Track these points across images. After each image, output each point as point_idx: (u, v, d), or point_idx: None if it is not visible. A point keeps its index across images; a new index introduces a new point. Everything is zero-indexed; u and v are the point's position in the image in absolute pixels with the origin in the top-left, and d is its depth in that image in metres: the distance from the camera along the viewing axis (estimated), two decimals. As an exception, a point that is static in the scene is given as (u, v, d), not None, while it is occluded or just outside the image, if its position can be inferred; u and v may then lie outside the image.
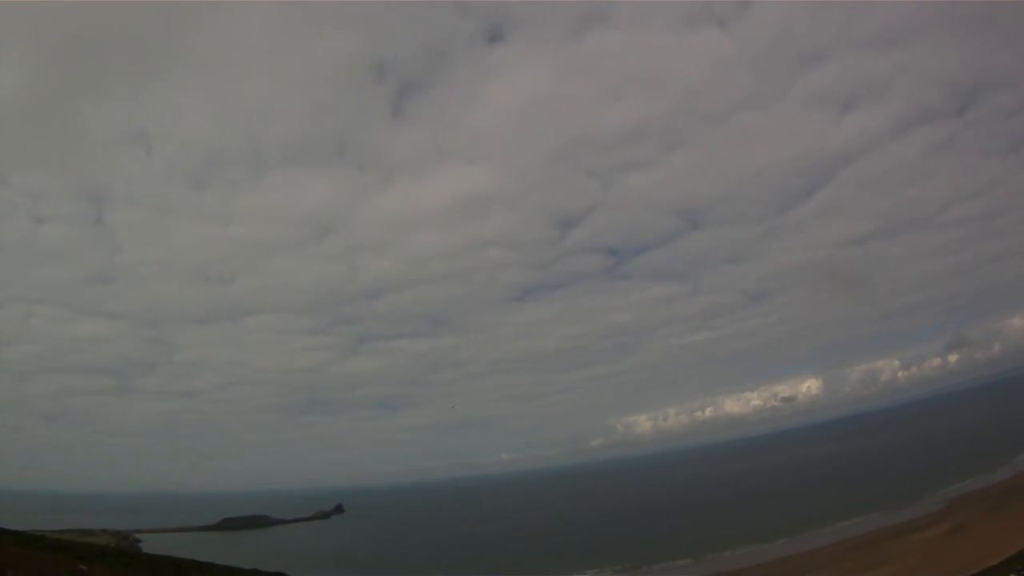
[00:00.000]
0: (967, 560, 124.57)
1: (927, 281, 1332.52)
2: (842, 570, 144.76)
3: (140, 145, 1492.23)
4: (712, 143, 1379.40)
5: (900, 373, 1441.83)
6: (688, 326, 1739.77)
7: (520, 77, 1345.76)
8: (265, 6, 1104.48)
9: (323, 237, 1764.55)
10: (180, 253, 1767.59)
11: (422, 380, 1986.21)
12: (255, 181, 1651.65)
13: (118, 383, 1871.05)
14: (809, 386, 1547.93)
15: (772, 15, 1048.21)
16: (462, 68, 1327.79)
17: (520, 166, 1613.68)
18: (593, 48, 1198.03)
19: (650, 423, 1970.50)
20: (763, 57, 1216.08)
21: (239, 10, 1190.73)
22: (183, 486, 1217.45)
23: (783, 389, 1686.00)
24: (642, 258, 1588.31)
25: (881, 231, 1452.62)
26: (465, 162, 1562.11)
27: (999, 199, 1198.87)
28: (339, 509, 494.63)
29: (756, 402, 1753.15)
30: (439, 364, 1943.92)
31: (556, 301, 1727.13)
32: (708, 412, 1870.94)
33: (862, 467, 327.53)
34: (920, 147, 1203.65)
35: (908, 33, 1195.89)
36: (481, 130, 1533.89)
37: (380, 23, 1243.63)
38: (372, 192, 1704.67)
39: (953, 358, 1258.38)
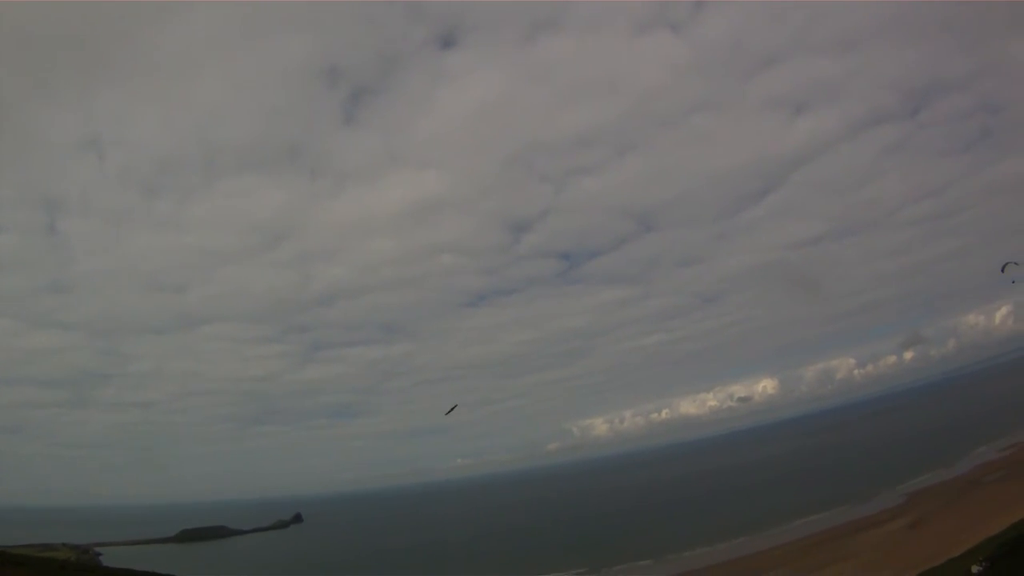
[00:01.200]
0: (929, 552, 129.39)
1: (882, 280, 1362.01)
2: (803, 566, 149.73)
3: (93, 152, 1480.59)
4: (665, 147, 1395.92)
5: (856, 371, 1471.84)
6: (642, 329, 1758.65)
7: (473, 82, 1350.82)
8: (216, 8, 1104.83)
9: (276, 244, 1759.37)
10: (134, 262, 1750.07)
11: (376, 387, 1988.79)
12: (208, 188, 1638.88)
13: (74, 395, 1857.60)
14: (765, 386, 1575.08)
15: (726, 19, 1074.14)
16: (415, 73, 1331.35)
17: (473, 171, 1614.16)
18: (546, 53, 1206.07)
19: (606, 426, 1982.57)
20: (717, 61, 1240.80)
21: (190, 13, 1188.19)
22: (142, 498, 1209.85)
23: (739, 389, 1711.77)
24: (595, 262, 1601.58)
25: (835, 232, 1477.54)
26: (417, 168, 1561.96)
27: (952, 199, 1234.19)
28: (298, 518, 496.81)
29: (712, 403, 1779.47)
30: (393, 371, 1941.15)
31: (509, 306, 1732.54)
32: (664, 414, 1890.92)
33: (821, 465, 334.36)
34: (874, 149, 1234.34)
35: (862, 37, 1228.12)
36: (433, 136, 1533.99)
37: (333, 27, 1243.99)
38: (324, 198, 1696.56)
39: (909, 355, 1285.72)
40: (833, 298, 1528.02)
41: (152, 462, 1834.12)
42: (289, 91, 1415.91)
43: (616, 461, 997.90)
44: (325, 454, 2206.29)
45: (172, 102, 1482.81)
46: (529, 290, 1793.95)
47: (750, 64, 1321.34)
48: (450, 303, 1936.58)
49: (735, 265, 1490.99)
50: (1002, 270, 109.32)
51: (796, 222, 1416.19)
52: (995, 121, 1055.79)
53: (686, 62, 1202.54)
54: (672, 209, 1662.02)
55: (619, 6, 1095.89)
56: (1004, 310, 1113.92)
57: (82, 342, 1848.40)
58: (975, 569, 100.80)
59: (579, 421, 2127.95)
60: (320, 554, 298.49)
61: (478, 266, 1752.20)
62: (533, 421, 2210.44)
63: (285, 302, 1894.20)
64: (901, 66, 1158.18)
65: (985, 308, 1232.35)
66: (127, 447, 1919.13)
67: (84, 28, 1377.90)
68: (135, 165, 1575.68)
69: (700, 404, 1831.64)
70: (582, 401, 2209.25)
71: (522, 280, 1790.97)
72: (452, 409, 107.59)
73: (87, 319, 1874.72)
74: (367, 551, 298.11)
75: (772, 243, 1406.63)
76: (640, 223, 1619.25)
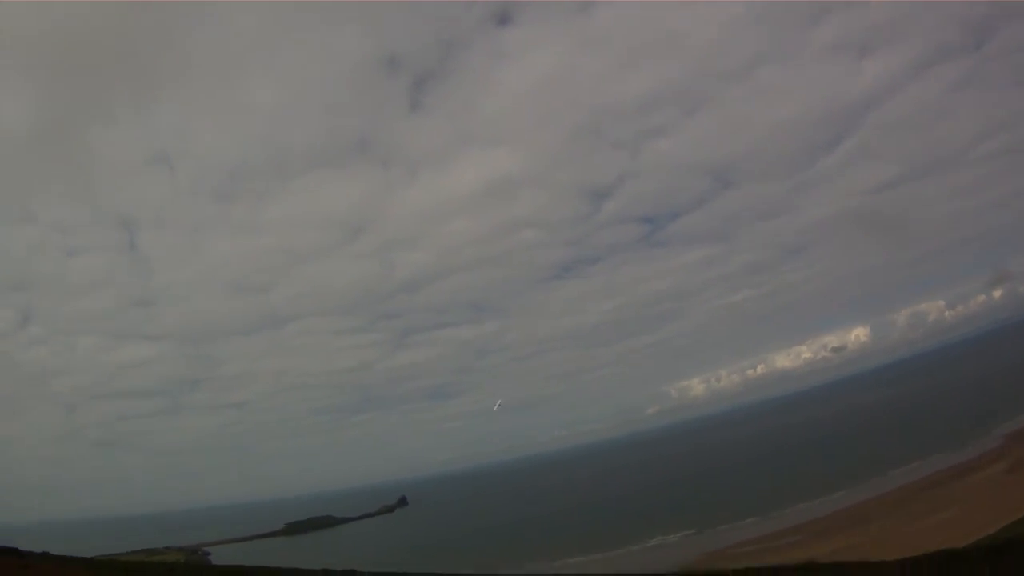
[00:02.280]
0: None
1: (963, 218, 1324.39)
2: (905, 515, 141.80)
3: (162, 167, 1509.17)
4: (733, 101, 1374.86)
5: (946, 313, 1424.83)
6: (729, 286, 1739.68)
7: (533, 57, 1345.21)
8: (264, 8, 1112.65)
9: (356, 237, 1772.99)
10: (215, 268, 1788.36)
11: (470, 367, 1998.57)
12: (281, 189, 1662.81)
13: (168, 403, 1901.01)
14: (857, 334, 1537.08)
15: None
16: (474, 54, 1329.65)
17: (543, 144, 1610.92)
18: (602, 20, 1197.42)
19: (703, 386, 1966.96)
20: (775, 11, 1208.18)
21: (238, 16, 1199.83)
22: (246, 496, 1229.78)
23: (832, 340, 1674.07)
24: (677, 223, 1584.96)
25: (911, 173, 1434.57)
26: (488, 147, 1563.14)
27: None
28: (403, 502, 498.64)
29: (806, 355, 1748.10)
30: (485, 350, 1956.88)
31: (595, 275, 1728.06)
32: (760, 369, 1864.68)
33: (917, 411, 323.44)
34: (941, 86, 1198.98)
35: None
36: (500, 113, 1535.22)
37: (387, 17, 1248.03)
38: (399, 187, 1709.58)
39: (997, 293, 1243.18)
40: (916, 240, 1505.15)
41: (252, 460, 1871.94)
42: (351, 85, 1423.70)
43: (715, 420, 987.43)
44: (425, 437, 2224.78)
45: (234, 109, 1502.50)
46: (613, 257, 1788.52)
47: (809, 10, 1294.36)
48: (535, 277, 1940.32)
49: (816, 215, 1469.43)
50: None
51: (871, 167, 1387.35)
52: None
53: (744, 14, 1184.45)
54: (747, 163, 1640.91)
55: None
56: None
57: (171, 351, 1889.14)
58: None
59: (675, 383, 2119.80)
60: (426, 535, 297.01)
61: (560, 238, 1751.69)
62: (629, 387, 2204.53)
63: (371, 292, 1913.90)
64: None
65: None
66: (226, 448, 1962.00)
67: (130, 45, 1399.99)
68: (205, 175, 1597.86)
69: (795, 357, 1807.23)
70: (677, 363, 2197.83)
71: (605, 248, 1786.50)
72: (498, 406, 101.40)
73: (174, 328, 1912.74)
74: (471, 528, 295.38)
75: (850, 190, 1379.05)
76: (717, 180, 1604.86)
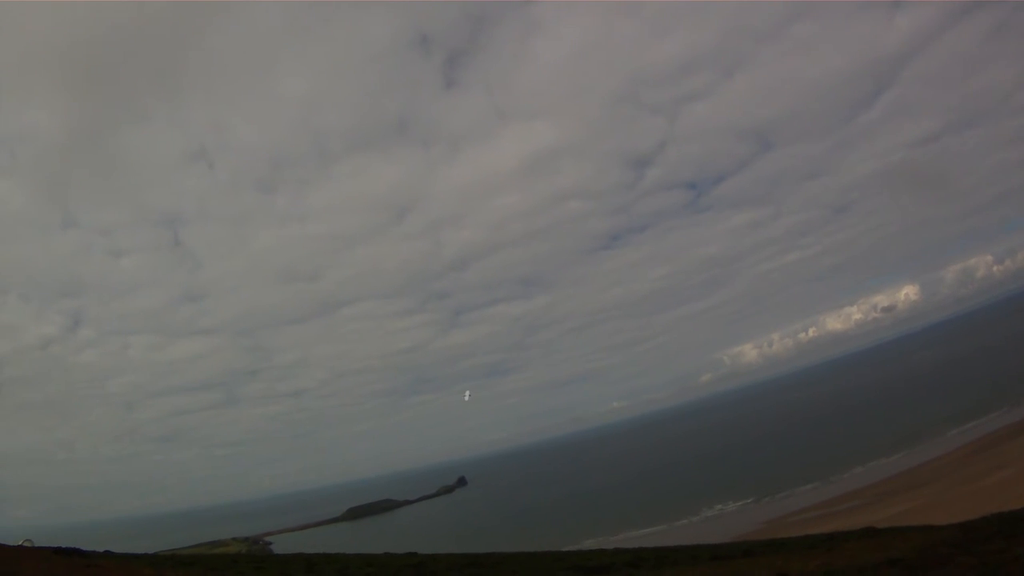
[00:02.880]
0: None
1: (1007, 170, 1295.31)
2: (963, 476, 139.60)
3: (201, 162, 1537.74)
4: (769, 61, 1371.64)
5: (995, 268, 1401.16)
6: (777, 249, 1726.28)
7: (565, 27, 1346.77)
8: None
9: (402, 218, 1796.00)
10: (263, 258, 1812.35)
11: (523, 343, 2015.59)
12: (323, 175, 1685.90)
13: (224, 395, 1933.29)
14: (907, 293, 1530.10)
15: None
16: (505, 27, 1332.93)
17: (582, 114, 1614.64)
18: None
19: (756, 351, 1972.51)
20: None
21: (264, 9, 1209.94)
22: (306, 483, 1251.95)
23: (881, 299, 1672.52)
24: (721, 187, 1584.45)
25: (952, 126, 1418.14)
26: (527, 120, 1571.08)
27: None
28: (462, 482, 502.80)
29: (857, 316, 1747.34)
30: (537, 324, 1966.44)
31: (643, 244, 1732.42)
32: (811, 332, 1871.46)
33: (969, 370, 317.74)
34: (977, 34, 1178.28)
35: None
36: (537, 86, 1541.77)
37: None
38: (441, 165, 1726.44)
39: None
40: (961, 194, 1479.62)
41: (311, 447, 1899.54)
42: (383, 67, 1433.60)
43: (769, 386, 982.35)
44: (482, 415, 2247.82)
45: (267, 100, 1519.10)
46: (660, 224, 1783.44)
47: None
48: (583, 248, 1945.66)
49: (859, 172, 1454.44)
50: None
51: (912, 120, 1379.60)
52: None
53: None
54: (788, 123, 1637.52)
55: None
56: None
57: (225, 343, 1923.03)
58: None
59: (728, 350, 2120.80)
60: (486, 514, 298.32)
61: (605, 207, 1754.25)
62: (683, 355, 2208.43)
63: (420, 272, 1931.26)
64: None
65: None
66: (284, 437, 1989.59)
67: (157, 47, 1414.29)
68: (246, 167, 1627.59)
69: (845, 319, 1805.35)
70: (728, 329, 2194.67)
71: (651, 215, 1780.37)
72: (467, 396, 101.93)
73: (226, 321, 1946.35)
74: (531, 505, 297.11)
75: (892, 145, 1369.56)
76: (759, 142, 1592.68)
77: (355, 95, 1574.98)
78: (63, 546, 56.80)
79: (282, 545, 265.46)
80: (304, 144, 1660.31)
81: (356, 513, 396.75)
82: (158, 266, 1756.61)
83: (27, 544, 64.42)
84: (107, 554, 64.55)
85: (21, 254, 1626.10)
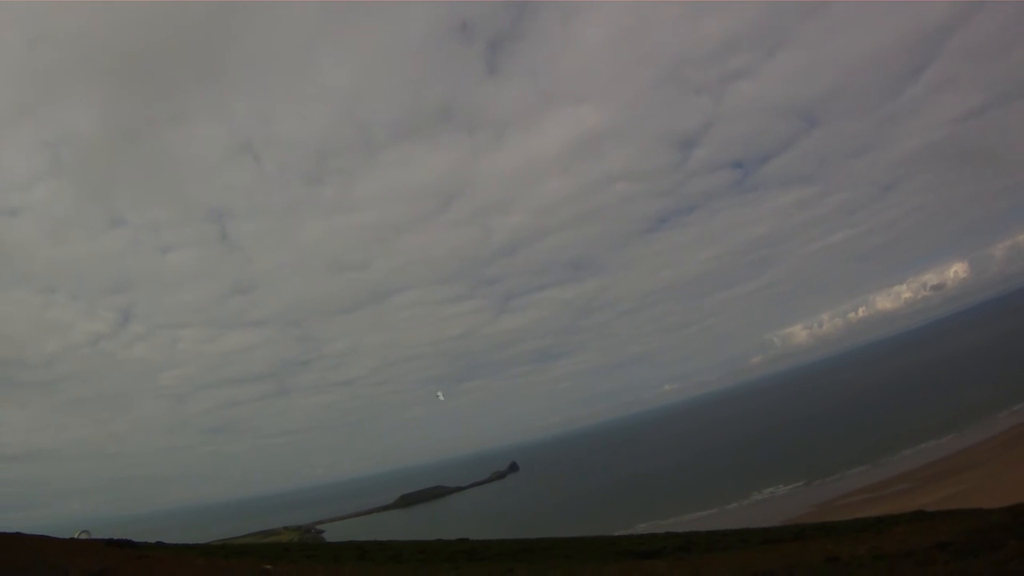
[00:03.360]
0: None
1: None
2: (1014, 458, 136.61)
3: (247, 156, 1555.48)
4: (812, 37, 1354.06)
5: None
6: (826, 228, 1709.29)
7: (606, 8, 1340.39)
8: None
9: (449, 205, 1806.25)
10: (311, 249, 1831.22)
11: (574, 326, 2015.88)
12: (369, 165, 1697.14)
13: (275, 386, 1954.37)
14: (956, 271, 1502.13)
15: None
16: (546, 12, 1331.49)
17: (626, 96, 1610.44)
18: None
19: (805, 332, 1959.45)
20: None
21: (302, 3, 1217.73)
22: (359, 471, 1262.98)
23: (931, 278, 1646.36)
24: (768, 166, 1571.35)
25: (998, 99, 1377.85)
26: (572, 104, 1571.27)
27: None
28: (514, 467, 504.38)
29: (906, 295, 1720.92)
30: (587, 308, 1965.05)
31: (691, 225, 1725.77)
32: (861, 312, 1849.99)
33: (1021, 349, 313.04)
34: (1021, 4, 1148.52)
35: None
36: (580, 69, 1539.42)
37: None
38: (487, 151, 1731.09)
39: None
40: (1009, 169, 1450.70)
41: (363, 436, 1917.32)
42: (425, 55, 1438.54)
43: (819, 367, 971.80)
44: (533, 400, 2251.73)
45: (310, 93, 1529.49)
46: (708, 205, 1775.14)
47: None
48: (632, 231, 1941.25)
49: (905, 148, 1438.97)
50: None
51: (958, 94, 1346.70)
52: None
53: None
54: (832, 100, 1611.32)
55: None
56: None
57: (275, 334, 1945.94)
58: None
59: (778, 331, 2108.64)
60: (537, 499, 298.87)
61: (653, 189, 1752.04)
62: (733, 337, 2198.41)
63: (470, 259, 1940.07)
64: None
65: None
66: (336, 426, 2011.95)
67: (197, 46, 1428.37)
68: (292, 159, 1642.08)
69: (895, 297, 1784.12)
70: (778, 310, 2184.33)
71: (699, 196, 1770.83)
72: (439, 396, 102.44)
73: (276, 312, 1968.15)
74: (582, 490, 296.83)
75: (938, 120, 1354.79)
76: (804, 119, 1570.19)
77: (398, 84, 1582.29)
78: (115, 538, 57.57)
79: (334, 533, 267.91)
80: (349, 135, 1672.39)
81: (408, 500, 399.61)
82: (206, 260, 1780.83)
83: (84, 535, 65.65)
84: (159, 545, 65.41)
85: (69, 253, 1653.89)
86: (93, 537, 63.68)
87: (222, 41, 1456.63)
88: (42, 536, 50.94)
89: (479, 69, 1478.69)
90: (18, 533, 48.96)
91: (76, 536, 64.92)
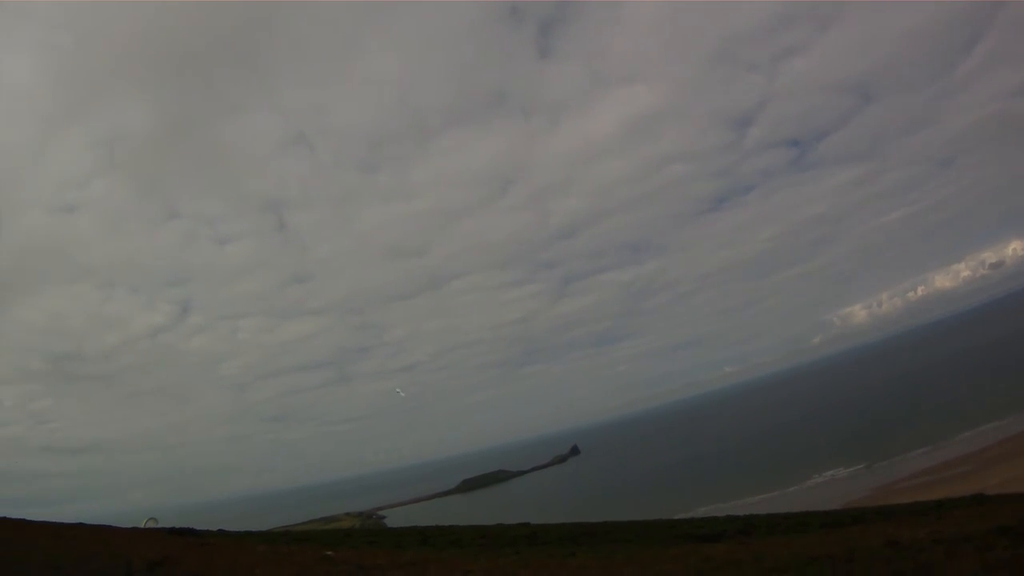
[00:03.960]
0: None
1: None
2: None
3: (302, 147, 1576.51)
4: (863, 11, 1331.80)
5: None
6: (884, 205, 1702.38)
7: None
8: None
9: (506, 189, 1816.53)
10: (369, 236, 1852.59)
11: (634, 309, 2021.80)
12: (424, 151, 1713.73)
13: (336, 373, 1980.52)
14: (1015, 248, 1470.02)
15: None
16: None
17: (679, 75, 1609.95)
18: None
19: (865, 312, 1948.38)
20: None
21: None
22: (420, 457, 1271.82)
23: (989, 255, 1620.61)
24: (824, 143, 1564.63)
25: None
26: (626, 84, 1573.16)
27: None
28: (575, 451, 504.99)
29: (965, 273, 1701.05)
30: (647, 290, 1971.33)
31: (748, 204, 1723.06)
32: (920, 291, 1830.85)
33: None
34: None
35: None
36: (632, 50, 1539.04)
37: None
38: (542, 135, 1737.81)
39: None
40: None
41: (424, 422, 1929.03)
42: (475, 40, 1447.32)
43: (879, 347, 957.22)
44: (594, 383, 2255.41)
45: (362, 81, 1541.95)
46: (765, 184, 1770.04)
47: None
48: (690, 212, 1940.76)
49: (961, 123, 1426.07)
50: None
51: (1011, 66, 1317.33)
52: None
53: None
54: (886, 75, 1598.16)
55: None
56: None
57: (335, 322, 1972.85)
58: None
59: (838, 311, 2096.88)
60: (598, 483, 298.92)
61: (709, 169, 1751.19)
62: (793, 317, 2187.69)
63: (527, 243, 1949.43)
64: None
65: None
66: (397, 412, 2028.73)
67: (246, 39, 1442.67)
68: (346, 148, 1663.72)
69: (954, 276, 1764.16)
70: (838, 290, 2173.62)
71: (756, 175, 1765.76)
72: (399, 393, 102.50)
73: (335, 300, 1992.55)
74: (643, 473, 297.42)
75: (993, 93, 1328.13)
76: (859, 95, 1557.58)
77: (450, 70, 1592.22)
78: (177, 526, 58.38)
79: (396, 519, 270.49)
80: (403, 122, 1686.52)
81: (469, 485, 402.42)
82: (264, 250, 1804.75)
83: (151, 522, 66.78)
84: (221, 533, 66.24)
85: (127, 248, 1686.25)
86: (159, 525, 64.83)
87: (271, 34, 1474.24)
88: (104, 525, 51.78)
89: (531, 52, 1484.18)
90: (80, 523, 49.75)
91: (144, 524, 66.23)
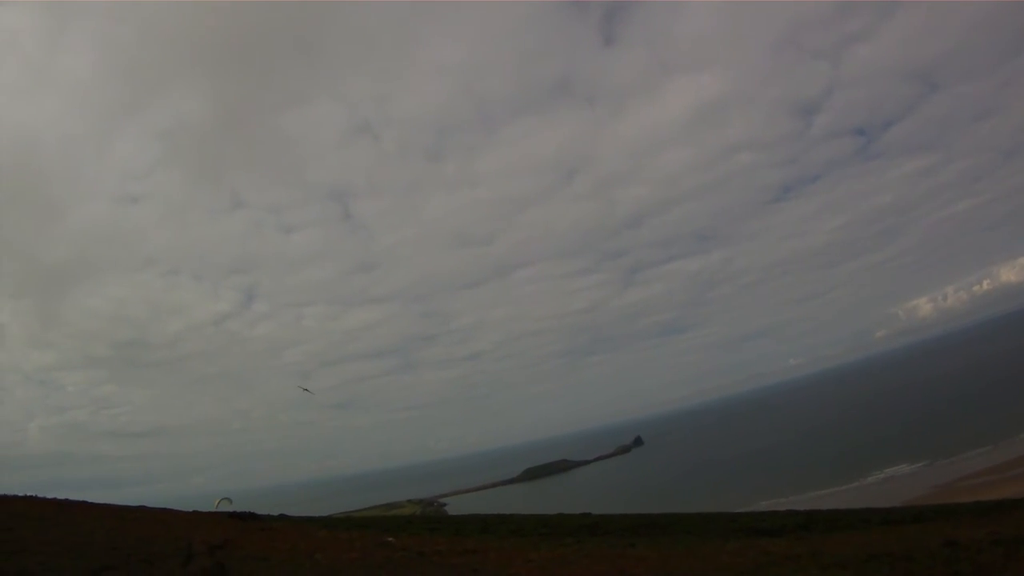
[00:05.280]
0: None
1: None
2: None
3: (367, 136, 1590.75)
4: None
5: None
6: (951, 196, 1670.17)
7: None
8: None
9: (571, 178, 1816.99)
10: (434, 225, 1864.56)
11: (700, 299, 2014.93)
12: (489, 140, 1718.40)
13: (401, 361, 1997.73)
14: None
15: None
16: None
17: (746, 63, 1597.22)
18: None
19: (930, 305, 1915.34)
20: None
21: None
22: (484, 445, 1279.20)
23: None
24: (890, 132, 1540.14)
25: None
26: (691, 71, 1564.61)
27: None
28: (638, 441, 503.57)
29: None
30: (714, 280, 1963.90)
31: (815, 194, 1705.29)
32: (986, 285, 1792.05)
33: None
34: None
35: None
36: (698, 36, 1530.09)
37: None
38: (608, 122, 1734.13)
39: None
40: None
41: (488, 410, 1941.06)
42: (539, 28, 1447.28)
43: (944, 341, 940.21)
44: (659, 373, 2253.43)
45: (425, 70, 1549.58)
46: (831, 174, 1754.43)
47: None
48: (757, 201, 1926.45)
49: None
50: None
51: None
52: None
53: None
54: (952, 61, 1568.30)
55: None
56: None
57: (400, 310, 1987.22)
58: None
59: (903, 304, 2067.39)
60: (661, 474, 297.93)
61: (775, 158, 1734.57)
62: (858, 310, 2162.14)
63: (594, 232, 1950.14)
64: None
65: None
66: (462, 400, 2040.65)
67: (309, 30, 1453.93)
68: (411, 137, 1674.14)
69: (1020, 270, 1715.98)
70: (902, 282, 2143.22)
71: (822, 164, 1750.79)
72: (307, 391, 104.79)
73: (400, 288, 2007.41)
74: (705, 466, 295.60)
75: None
76: (925, 83, 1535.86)
77: (514, 59, 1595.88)
78: (238, 511, 59.07)
79: (457, 506, 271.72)
80: (468, 111, 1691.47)
81: (532, 474, 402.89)
82: (329, 239, 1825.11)
83: (224, 503, 67.74)
84: (282, 517, 66.93)
85: (191, 236, 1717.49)
86: (231, 507, 65.90)
87: (334, 24, 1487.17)
88: (165, 508, 52.58)
89: (595, 40, 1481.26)
90: (142, 506, 50.55)
91: (216, 504, 67.36)
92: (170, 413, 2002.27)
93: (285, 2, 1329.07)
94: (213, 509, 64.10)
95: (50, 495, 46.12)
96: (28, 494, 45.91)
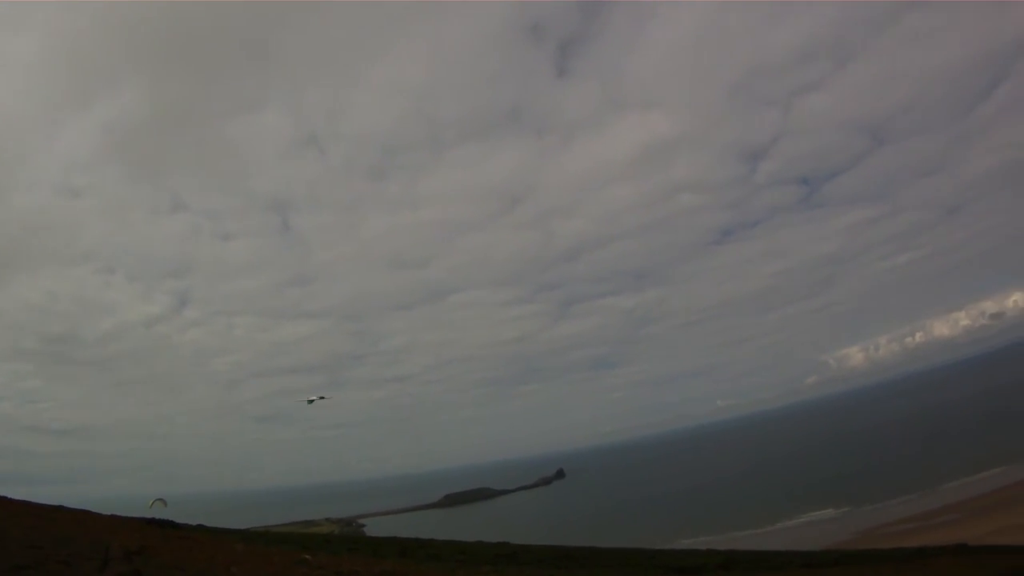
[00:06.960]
0: None
1: None
2: None
3: (312, 149, 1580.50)
4: (884, 51, 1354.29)
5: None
6: (890, 248, 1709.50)
7: (679, 14, 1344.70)
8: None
9: (514, 207, 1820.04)
10: (373, 244, 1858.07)
11: (632, 336, 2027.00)
12: (435, 162, 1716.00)
13: (328, 378, 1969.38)
14: (1016, 300, 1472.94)
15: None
16: (618, 14, 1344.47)
17: (697, 105, 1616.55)
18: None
19: (862, 354, 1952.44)
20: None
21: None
22: (405, 468, 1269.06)
23: (990, 305, 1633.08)
24: (834, 183, 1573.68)
25: None
26: (641, 109, 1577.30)
27: None
28: (560, 474, 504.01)
29: (965, 322, 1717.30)
30: (647, 318, 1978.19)
31: (755, 239, 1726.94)
32: (918, 337, 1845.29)
33: None
34: None
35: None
36: (651, 75, 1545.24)
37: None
38: (554, 154, 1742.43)
39: None
40: None
41: (413, 433, 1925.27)
42: (496, 55, 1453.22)
43: (874, 392, 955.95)
44: (586, 408, 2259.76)
45: (379, 87, 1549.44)
46: (773, 220, 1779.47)
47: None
48: (696, 243, 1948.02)
49: (975, 169, 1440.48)
50: None
51: None
52: None
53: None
54: (901, 116, 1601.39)
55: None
56: None
57: (331, 327, 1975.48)
58: None
59: (835, 352, 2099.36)
60: (580, 508, 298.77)
61: (718, 201, 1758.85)
62: (790, 356, 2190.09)
63: (531, 262, 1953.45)
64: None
65: None
66: (386, 421, 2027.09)
67: (265, 37, 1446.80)
68: (357, 153, 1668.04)
69: (953, 324, 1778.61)
70: (836, 330, 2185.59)
71: (764, 210, 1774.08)
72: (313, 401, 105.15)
73: (333, 305, 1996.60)
74: (625, 502, 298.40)
75: (1009, 140, 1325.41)
76: (872, 137, 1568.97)
77: (468, 83, 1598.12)
78: (157, 517, 58.60)
79: (376, 528, 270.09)
80: (417, 131, 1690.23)
81: (452, 500, 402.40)
82: (266, 250, 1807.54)
83: (159, 504, 67.52)
84: (200, 527, 66.44)
85: (129, 235, 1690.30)
86: (165, 509, 65.68)
87: (288, 32, 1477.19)
88: (85, 510, 51.96)
89: (549, 71, 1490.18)
90: (61, 506, 49.92)
91: (150, 505, 67.15)
92: (94, 412, 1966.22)
93: (242, 5, 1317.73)
94: (148, 509, 63.84)
95: (-36, 489, 45.38)
96: (-59, 487, 45.18)
